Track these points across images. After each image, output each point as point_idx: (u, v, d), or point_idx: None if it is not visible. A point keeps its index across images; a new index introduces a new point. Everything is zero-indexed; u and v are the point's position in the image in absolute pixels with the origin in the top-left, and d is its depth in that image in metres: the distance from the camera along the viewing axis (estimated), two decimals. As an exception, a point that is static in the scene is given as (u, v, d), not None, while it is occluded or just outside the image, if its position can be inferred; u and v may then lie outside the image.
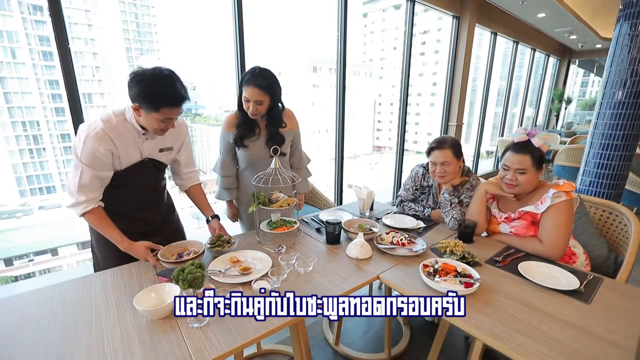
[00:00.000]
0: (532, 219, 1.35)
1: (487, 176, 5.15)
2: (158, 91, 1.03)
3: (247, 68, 1.45)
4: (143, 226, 1.30)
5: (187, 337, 0.81)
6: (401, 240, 1.34)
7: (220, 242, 1.29)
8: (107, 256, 1.27)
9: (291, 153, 1.68)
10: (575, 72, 11.50)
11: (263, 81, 1.38)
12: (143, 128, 1.14)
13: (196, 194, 1.43)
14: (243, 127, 1.51)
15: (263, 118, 1.53)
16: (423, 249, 1.29)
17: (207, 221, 1.41)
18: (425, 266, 1.14)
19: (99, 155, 1.07)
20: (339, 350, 1.65)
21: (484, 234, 1.53)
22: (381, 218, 1.66)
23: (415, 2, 3.20)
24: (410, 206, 1.75)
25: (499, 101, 6.04)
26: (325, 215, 1.68)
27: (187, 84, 1.12)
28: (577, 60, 8.07)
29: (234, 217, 1.74)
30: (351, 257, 1.26)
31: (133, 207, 1.27)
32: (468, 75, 4.01)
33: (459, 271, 1.10)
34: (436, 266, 1.13)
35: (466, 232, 1.41)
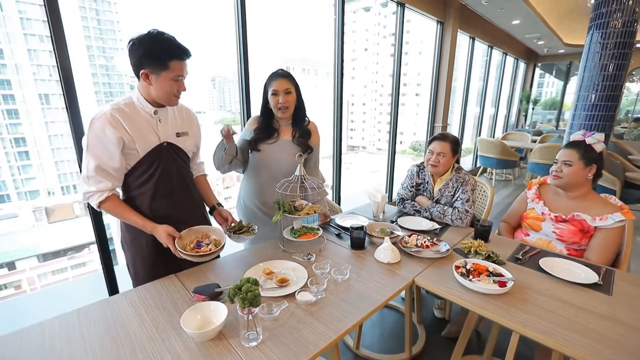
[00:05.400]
0: (582, 227, 1.41)
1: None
2: (163, 46, 1.03)
3: (245, 66, 1.43)
4: (181, 229, 1.20)
5: (245, 358, 0.77)
6: (425, 242, 1.37)
7: (245, 229, 1.28)
8: (136, 258, 1.22)
9: (308, 170, 1.63)
10: (536, 74, 12.29)
11: (286, 73, 1.46)
12: (154, 106, 1.12)
13: (202, 183, 1.41)
14: (261, 132, 1.49)
15: (286, 120, 1.52)
16: (447, 250, 1.32)
17: (212, 209, 1.37)
18: (457, 267, 1.17)
19: (104, 140, 1.03)
20: (360, 354, 1.65)
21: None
22: (396, 220, 1.69)
23: (405, 7, 3.28)
24: (413, 204, 1.81)
25: (476, 102, 6.34)
26: (341, 220, 1.67)
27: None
28: (539, 64, 8.67)
29: (228, 133, 1.35)
30: (382, 262, 1.26)
31: (165, 204, 1.19)
32: (452, 78, 4.17)
33: (491, 271, 1.14)
34: (468, 267, 1.17)
35: (483, 232, 1.47)
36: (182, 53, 1.06)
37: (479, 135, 6.00)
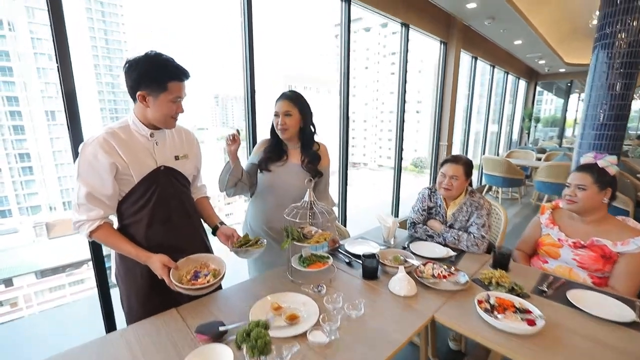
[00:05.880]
0: (603, 253, 1.34)
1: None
2: (161, 67, 1.00)
3: (251, 83, 1.49)
4: (178, 257, 1.14)
5: (254, 414, 0.69)
6: (442, 272, 1.29)
7: (252, 242, 1.21)
8: (130, 292, 1.15)
9: (317, 193, 1.55)
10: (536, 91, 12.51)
11: (292, 94, 1.43)
12: (151, 128, 1.08)
13: (204, 204, 1.35)
14: (271, 151, 1.46)
15: (294, 143, 1.47)
16: (467, 281, 1.24)
17: (215, 230, 1.30)
18: (480, 302, 1.08)
19: (96, 166, 0.98)
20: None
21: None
22: (408, 246, 1.61)
23: (410, 28, 3.32)
24: (425, 228, 1.73)
25: (477, 119, 6.35)
26: (350, 246, 1.60)
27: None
28: (540, 82, 8.76)
29: (235, 139, 1.31)
30: (397, 295, 1.18)
31: (162, 231, 1.12)
32: (456, 98, 4.18)
33: (517, 307, 1.06)
34: (491, 301, 1.08)
35: (502, 260, 1.39)
36: (180, 74, 1.03)
37: (483, 153, 5.97)
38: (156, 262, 1.02)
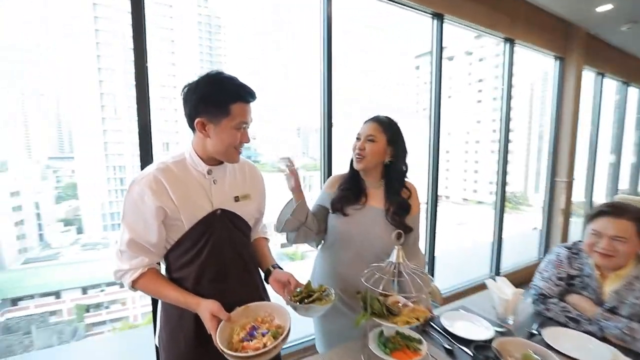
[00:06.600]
0: None
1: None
2: (223, 88, 0.85)
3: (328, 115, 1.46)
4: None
5: None
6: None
7: (316, 295, 0.94)
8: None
9: (406, 249, 1.11)
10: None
11: (384, 118, 1.19)
12: (209, 164, 0.93)
13: (260, 245, 1.13)
14: (347, 188, 1.18)
15: (374, 181, 1.19)
16: None
17: (267, 274, 1.05)
18: None
19: (142, 208, 0.85)
20: None
21: None
22: (538, 332, 1.11)
23: (515, 44, 2.82)
24: (564, 306, 1.18)
25: (603, 149, 5.07)
26: (449, 322, 1.17)
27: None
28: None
29: (297, 187, 1.12)
30: None
31: (213, 290, 0.93)
32: (577, 124, 3.36)
33: None
34: None
35: None
36: (246, 94, 0.87)
37: (616, 193, 4.65)
38: (205, 312, 0.83)
